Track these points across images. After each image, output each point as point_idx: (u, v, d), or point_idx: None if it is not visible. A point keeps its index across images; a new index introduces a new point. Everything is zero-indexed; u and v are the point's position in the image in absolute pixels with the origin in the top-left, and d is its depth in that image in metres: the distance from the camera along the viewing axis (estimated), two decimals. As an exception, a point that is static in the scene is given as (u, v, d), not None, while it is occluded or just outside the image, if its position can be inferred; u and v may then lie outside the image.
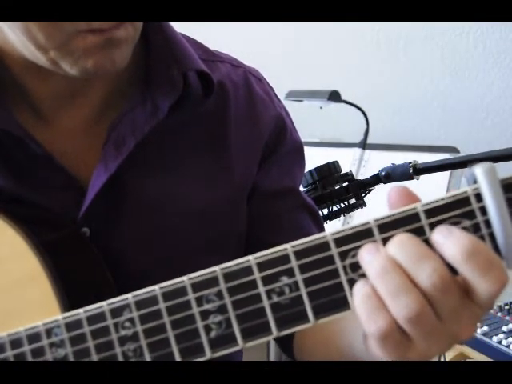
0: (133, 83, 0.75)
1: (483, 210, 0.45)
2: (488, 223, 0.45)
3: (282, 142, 0.84)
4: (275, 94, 0.88)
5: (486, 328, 1.71)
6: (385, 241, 0.47)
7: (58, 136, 0.72)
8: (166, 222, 0.75)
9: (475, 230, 0.45)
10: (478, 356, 1.72)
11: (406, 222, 0.47)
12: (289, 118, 0.87)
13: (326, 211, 1.20)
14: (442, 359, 1.82)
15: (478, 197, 0.45)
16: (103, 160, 0.71)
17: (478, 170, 0.45)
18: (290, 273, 0.49)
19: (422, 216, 0.46)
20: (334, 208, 1.19)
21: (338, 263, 0.48)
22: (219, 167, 0.78)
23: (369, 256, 0.47)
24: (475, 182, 0.45)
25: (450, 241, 0.45)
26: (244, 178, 0.80)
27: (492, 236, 0.45)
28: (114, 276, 0.71)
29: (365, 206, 1.21)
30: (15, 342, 0.56)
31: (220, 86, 0.79)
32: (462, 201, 0.46)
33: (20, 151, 0.69)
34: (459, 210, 0.46)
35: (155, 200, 0.74)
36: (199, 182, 0.77)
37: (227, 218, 0.79)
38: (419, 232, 0.47)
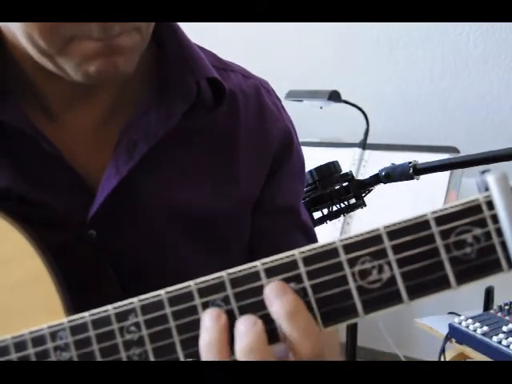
0: (145, 85, 0.75)
1: (495, 218, 0.45)
2: (499, 232, 0.45)
3: (289, 157, 0.84)
4: (282, 106, 0.87)
5: (486, 328, 1.72)
6: (394, 248, 0.47)
7: (67, 135, 0.72)
8: (173, 227, 0.74)
9: (486, 238, 0.45)
10: (478, 356, 1.72)
11: (416, 230, 0.46)
12: (295, 133, 0.86)
13: (325, 211, 1.20)
14: (442, 359, 1.83)
15: (490, 204, 0.45)
16: (114, 163, 0.70)
17: (490, 177, 0.44)
18: (298, 279, 0.49)
19: (433, 223, 0.46)
20: (334, 208, 1.20)
21: (347, 270, 0.48)
22: (227, 176, 0.78)
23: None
24: (486, 189, 0.45)
25: (279, 300, 0.49)
26: (250, 189, 0.80)
27: (504, 245, 0.44)
28: (119, 279, 0.71)
29: (365, 205, 1.21)
30: (19, 345, 0.56)
31: (231, 96, 0.78)
32: (473, 208, 0.45)
33: (30, 149, 0.69)
34: (470, 218, 0.45)
35: (164, 205, 0.74)
36: (207, 189, 0.76)
37: (231, 228, 0.79)
38: (429, 240, 0.46)
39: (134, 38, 0.64)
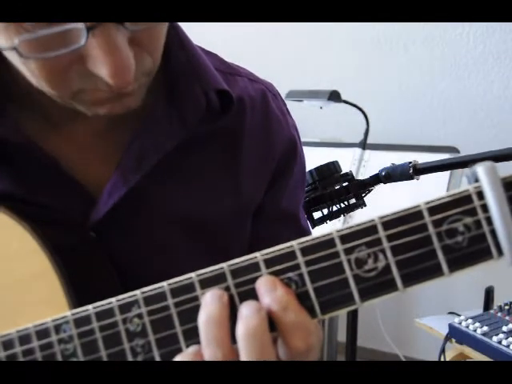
0: (151, 96, 0.74)
1: (484, 208, 0.46)
2: (489, 220, 0.46)
3: (292, 165, 0.84)
4: (288, 110, 0.87)
5: (485, 328, 1.72)
6: (389, 237, 0.48)
7: (68, 143, 0.72)
8: (175, 231, 0.75)
9: (477, 226, 0.46)
10: (478, 356, 1.72)
11: (410, 220, 0.48)
12: (299, 139, 0.86)
13: (325, 211, 1.20)
14: (442, 359, 1.83)
15: (480, 195, 0.46)
16: (121, 172, 0.70)
17: (480, 168, 0.46)
18: (296, 269, 0.50)
19: (426, 214, 0.47)
20: (334, 208, 1.19)
21: (344, 259, 0.49)
22: (229, 183, 0.78)
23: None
24: (476, 180, 0.46)
25: (269, 296, 0.50)
26: (252, 195, 0.80)
27: (493, 233, 0.46)
28: (121, 280, 0.72)
29: (365, 205, 1.21)
30: (24, 338, 0.57)
31: (238, 102, 0.78)
32: (464, 199, 0.47)
33: (28, 159, 0.69)
34: (461, 208, 0.47)
35: (167, 210, 0.74)
36: (210, 195, 0.77)
37: (232, 233, 0.80)
38: (422, 229, 0.47)
39: (142, 81, 0.64)
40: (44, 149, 0.70)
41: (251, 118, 0.80)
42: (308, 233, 0.90)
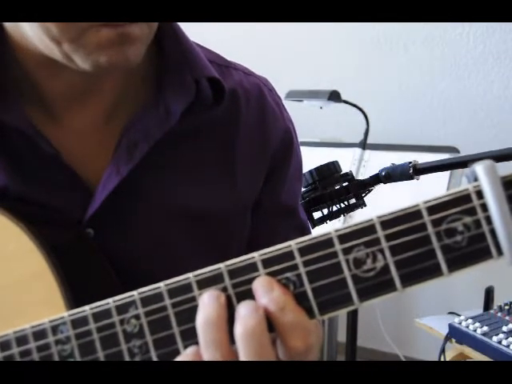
0: (144, 85, 0.75)
1: (484, 207, 0.46)
2: (489, 219, 0.45)
3: (289, 157, 0.84)
4: (283, 104, 0.87)
5: (485, 328, 1.72)
6: (387, 237, 0.48)
7: (67, 135, 0.73)
8: (172, 226, 0.75)
9: (476, 226, 0.46)
10: (478, 356, 1.72)
11: (409, 219, 0.47)
12: (294, 132, 0.86)
13: (326, 211, 1.20)
14: (442, 359, 1.83)
15: (479, 194, 0.46)
16: (115, 163, 0.71)
17: (479, 167, 0.45)
18: (294, 269, 0.50)
19: (425, 213, 0.47)
20: (334, 208, 1.19)
21: (342, 259, 0.49)
22: (225, 176, 0.78)
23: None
24: (475, 180, 0.46)
25: (266, 297, 0.50)
26: (249, 188, 0.80)
27: (493, 232, 0.45)
28: (119, 277, 0.71)
29: (365, 205, 1.21)
30: (21, 339, 0.57)
31: (232, 94, 0.79)
32: (463, 198, 0.46)
33: (29, 149, 0.69)
34: (460, 207, 0.46)
35: (163, 204, 0.74)
36: (206, 189, 0.77)
37: (230, 228, 0.80)
38: (421, 229, 0.47)
39: (144, 29, 0.65)
40: (46, 137, 0.70)
41: (246, 110, 0.80)
42: (307, 225, 0.91)
